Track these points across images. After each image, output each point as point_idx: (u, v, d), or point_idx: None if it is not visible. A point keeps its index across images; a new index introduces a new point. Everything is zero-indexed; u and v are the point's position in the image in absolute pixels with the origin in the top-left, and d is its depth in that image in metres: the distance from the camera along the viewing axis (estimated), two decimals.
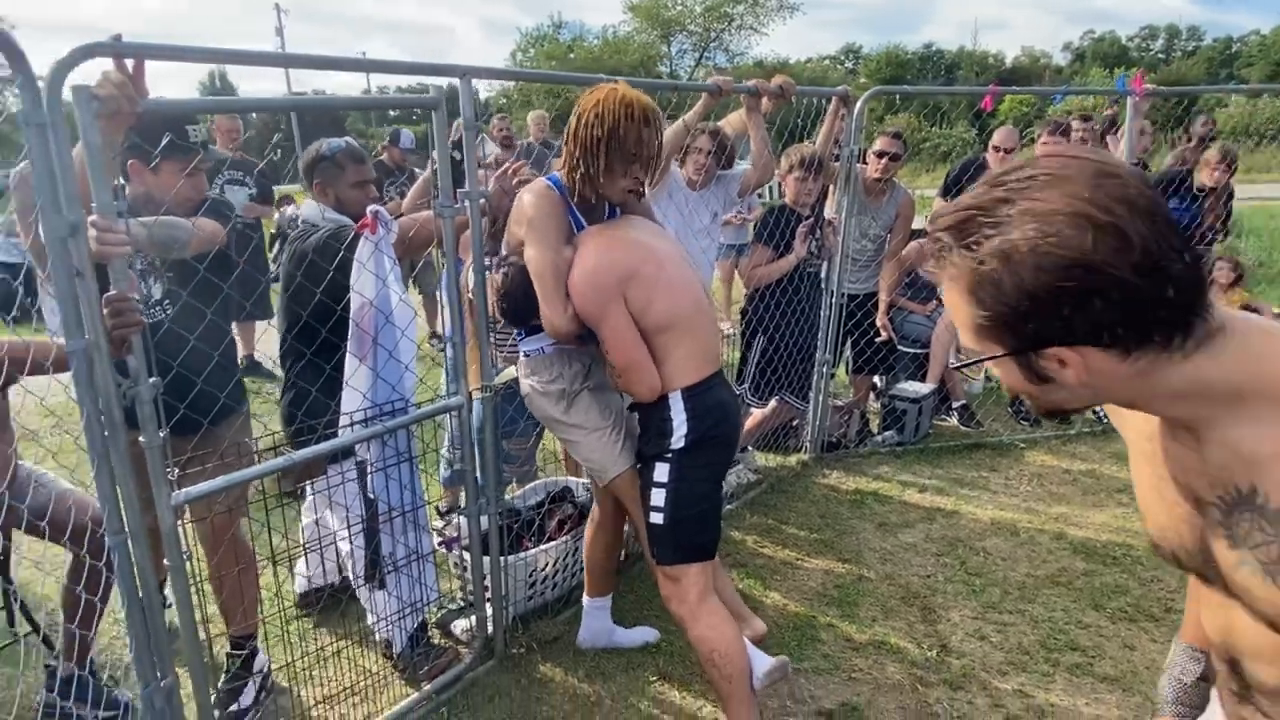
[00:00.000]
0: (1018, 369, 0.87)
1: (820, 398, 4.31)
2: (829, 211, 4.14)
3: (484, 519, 2.59)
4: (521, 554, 2.84)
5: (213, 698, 2.47)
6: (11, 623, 2.83)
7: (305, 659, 2.59)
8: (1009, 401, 5.01)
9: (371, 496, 2.35)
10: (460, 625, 2.85)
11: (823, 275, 4.12)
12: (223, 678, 2.56)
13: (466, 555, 2.82)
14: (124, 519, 1.76)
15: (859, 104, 3.78)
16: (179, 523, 1.87)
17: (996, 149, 5.16)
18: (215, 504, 2.23)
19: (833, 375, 4.38)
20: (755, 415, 4.17)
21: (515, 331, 2.38)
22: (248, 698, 2.52)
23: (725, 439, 2.25)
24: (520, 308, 2.18)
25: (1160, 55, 56.03)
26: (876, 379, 5.30)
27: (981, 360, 0.87)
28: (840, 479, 4.17)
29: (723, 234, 3.88)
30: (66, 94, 1.56)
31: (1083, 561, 3.29)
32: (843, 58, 59.63)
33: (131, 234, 1.73)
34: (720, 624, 2.17)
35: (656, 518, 2.17)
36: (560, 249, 2.12)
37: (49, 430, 4.68)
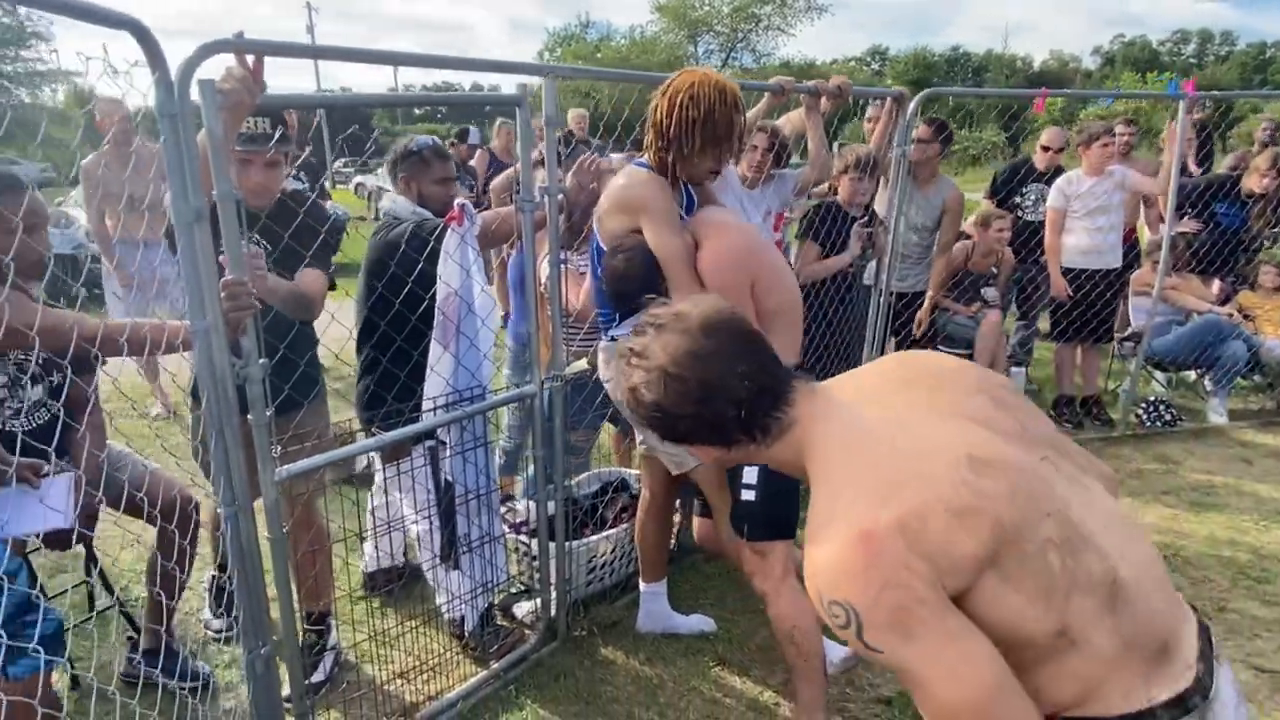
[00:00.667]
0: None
1: None
2: (879, 208, 4.18)
3: (551, 504, 2.67)
4: (584, 540, 2.91)
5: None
6: (92, 601, 2.95)
7: (382, 636, 2.68)
8: (1051, 404, 5.02)
9: (449, 479, 2.43)
10: (523, 608, 2.93)
11: (868, 274, 4.17)
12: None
13: (529, 540, 2.90)
14: (235, 492, 1.84)
15: (912, 104, 3.81)
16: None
17: (1045, 149, 5.18)
18: (311, 481, 2.33)
19: None
20: None
21: (601, 319, 2.45)
22: (322, 672, 2.62)
23: None
24: (638, 290, 2.24)
25: (1192, 60, 55.29)
26: None
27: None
28: None
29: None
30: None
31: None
32: (869, 59, 59.39)
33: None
34: (803, 602, 2.23)
35: (748, 495, 2.25)
36: (681, 233, 2.22)
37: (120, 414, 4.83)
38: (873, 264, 4.13)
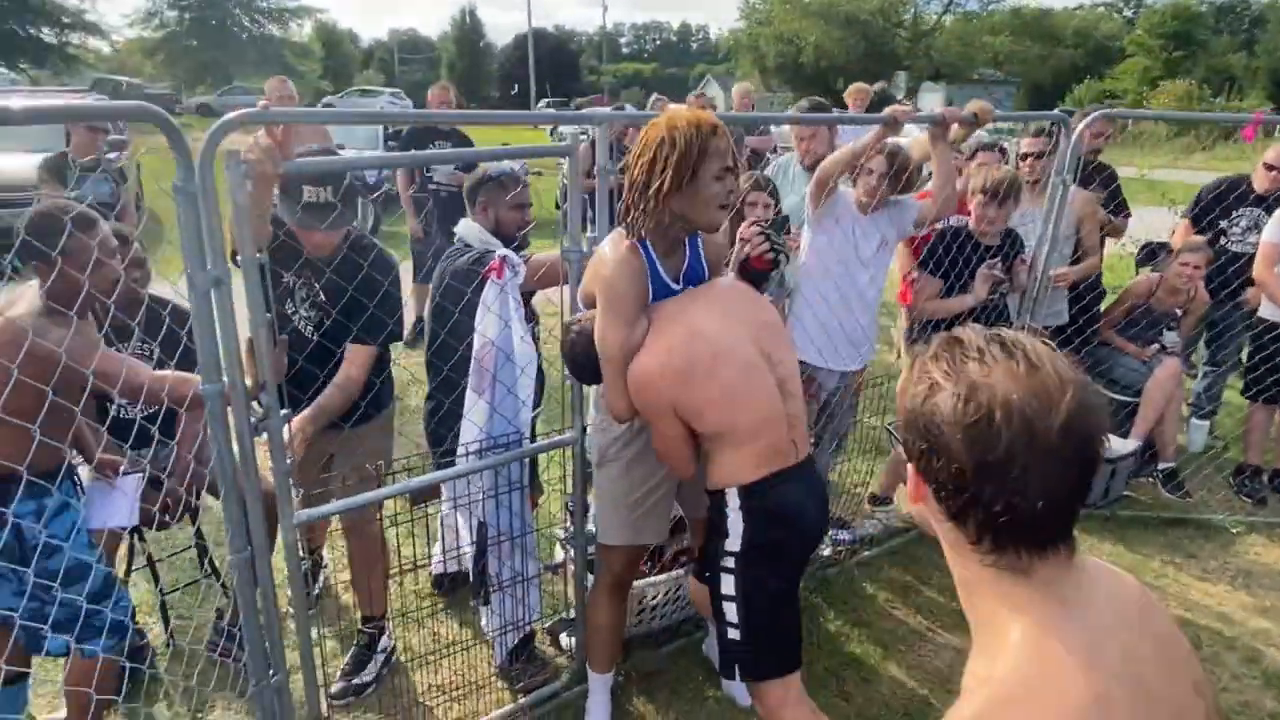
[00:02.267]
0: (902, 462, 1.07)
1: None
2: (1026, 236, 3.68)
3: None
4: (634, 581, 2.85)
5: (341, 667, 2.76)
6: (201, 564, 3.28)
7: (435, 647, 2.78)
8: (1233, 471, 4.30)
9: (481, 520, 2.45)
10: (569, 639, 2.94)
11: (1011, 310, 3.71)
12: (352, 649, 2.82)
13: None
14: (250, 538, 1.95)
15: (1079, 126, 3.28)
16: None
17: (1270, 168, 4.33)
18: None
19: None
20: None
21: None
22: (369, 674, 2.76)
23: (789, 541, 2.06)
24: (584, 373, 2.14)
25: None
26: None
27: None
28: None
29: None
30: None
31: (1274, 700, 2.79)
32: (1121, 5, 52.46)
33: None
34: None
35: (734, 634, 2.04)
36: (633, 326, 1.97)
37: None
38: (1014, 298, 3.67)
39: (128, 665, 2.31)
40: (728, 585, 2.01)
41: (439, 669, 2.78)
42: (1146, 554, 3.67)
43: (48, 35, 33.68)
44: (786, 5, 37.59)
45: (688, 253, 2.10)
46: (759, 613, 2.01)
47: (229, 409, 1.83)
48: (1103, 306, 4.51)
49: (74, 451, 2.45)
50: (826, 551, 3.52)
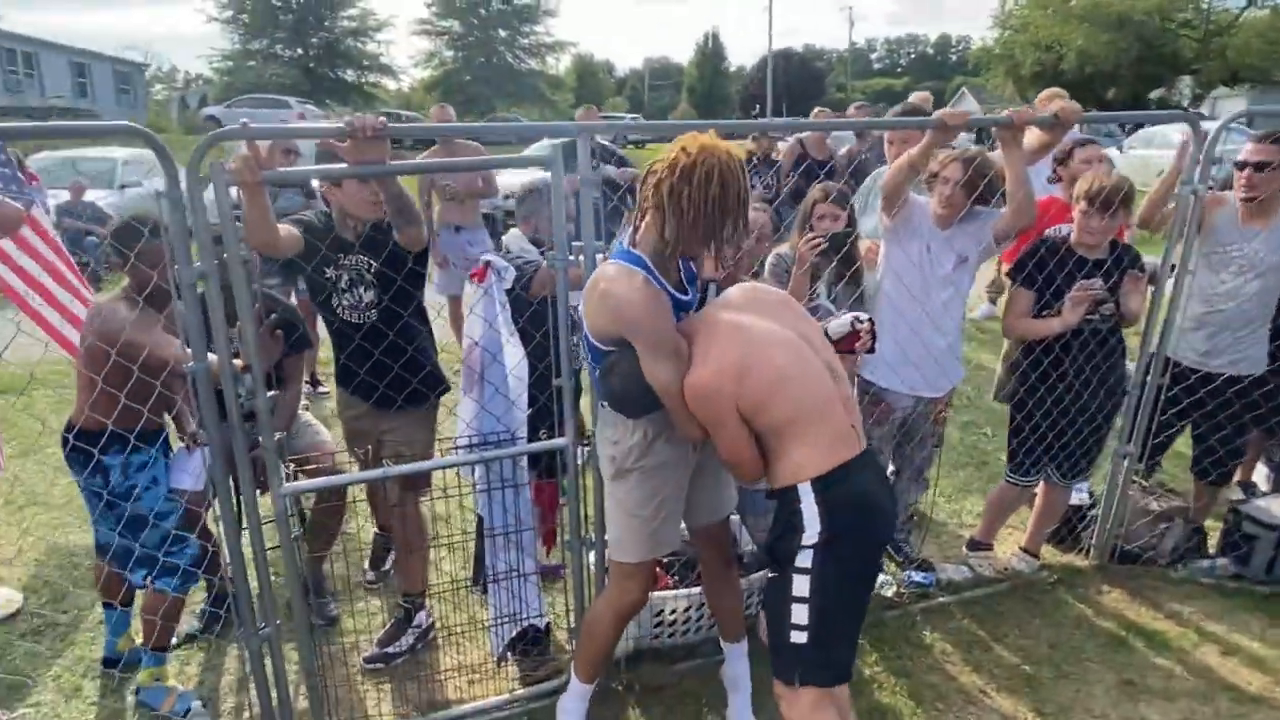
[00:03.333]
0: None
1: (1117, 492, 3.40)
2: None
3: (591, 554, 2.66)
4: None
5: (378, 635, 3.01)
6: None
7: (464, 627, 2.95)
8: None
9: (478, 514, 2.58)
10: None
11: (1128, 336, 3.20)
12: (392, 620, 3.06)
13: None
14: (245, 508, 2.22)
15: (1215, 127, 2.77)
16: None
17: None
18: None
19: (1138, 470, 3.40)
20: (1040, 502, 3.43)
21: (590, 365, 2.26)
22: (402, 645, 2.97)
23: (870, 534, 2.01)
24: (637, 409, 2.10)
25: None
26: (1262, 480, 3.97)
27: None
28: (1116, 601, 3.27)
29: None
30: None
31: None
32: None
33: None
34: None
35: (799, 636, 1.96)
36: (681, 352, 1.98)
37: None
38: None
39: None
40: (800, 587, 1.95)
41: (462, 650, 2.94)
42: None
43: (350, 77, 39.56)
44: (1046, 10, 34.49)
45: (679, 262, 2.14)
46: (831, 613, 1.95)
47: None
48: None
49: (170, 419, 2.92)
50: (889, 592, 3.25)
